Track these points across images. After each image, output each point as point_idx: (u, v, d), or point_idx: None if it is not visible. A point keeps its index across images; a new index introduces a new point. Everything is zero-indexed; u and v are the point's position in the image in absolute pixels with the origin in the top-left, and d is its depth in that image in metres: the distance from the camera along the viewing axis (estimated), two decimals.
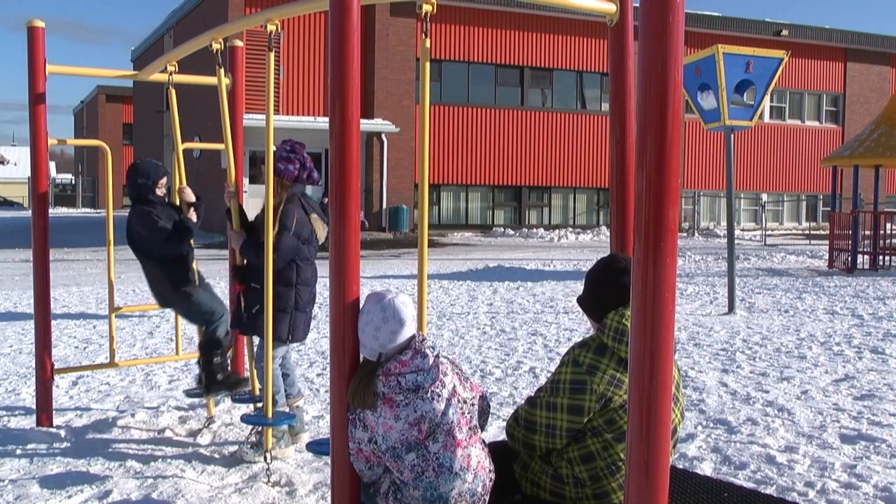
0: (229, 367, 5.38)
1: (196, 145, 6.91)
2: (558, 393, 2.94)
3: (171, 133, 5.32)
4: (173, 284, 5.11)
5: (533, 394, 3.10)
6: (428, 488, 2.82)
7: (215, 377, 5.33)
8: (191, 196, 5.21)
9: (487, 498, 2.95)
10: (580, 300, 3.17)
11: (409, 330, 2.95)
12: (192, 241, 5.22)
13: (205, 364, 5.25)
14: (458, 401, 2.90)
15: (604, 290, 3.03)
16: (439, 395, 2.85)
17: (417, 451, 2.82)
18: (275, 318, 4.59)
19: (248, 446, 4.73)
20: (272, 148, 4.31)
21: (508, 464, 3.18)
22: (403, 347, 2.93)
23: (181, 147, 5.32)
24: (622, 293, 2.91)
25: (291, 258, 4.68)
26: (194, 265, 5.24)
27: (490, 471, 2.95)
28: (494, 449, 3.21)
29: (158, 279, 5.14)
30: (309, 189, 5.06)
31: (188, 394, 5.42)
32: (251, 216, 4.99)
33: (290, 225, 4.62)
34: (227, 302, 5.41)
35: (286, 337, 4.73)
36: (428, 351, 2.93)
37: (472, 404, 2.96)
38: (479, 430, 2.98)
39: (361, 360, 2.99)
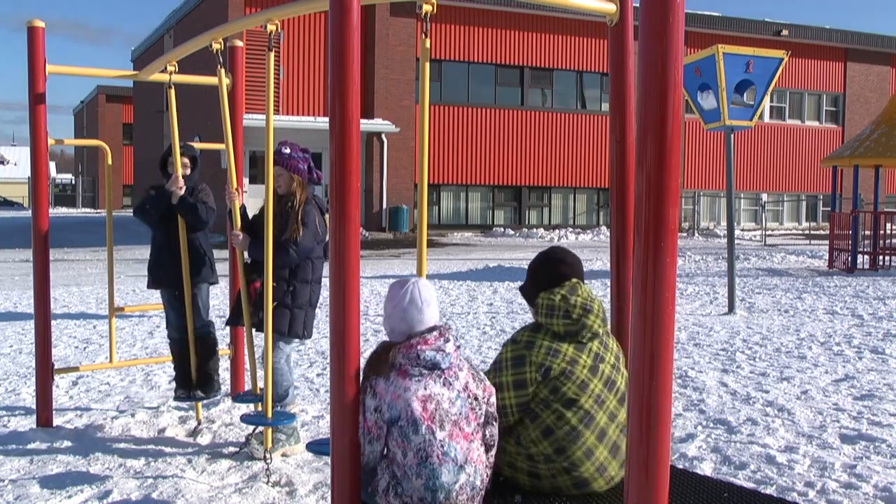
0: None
1: (196, 145, 6.89)
2: (501, 371, 3.15)
3: (171, 133, 5.32)
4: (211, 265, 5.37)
5: None
6: (430, 476, 2.83)
7: (213, 377, 5.36)
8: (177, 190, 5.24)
9: (484, 493, 3.00)
10: (521, 289, 3.40)
11: (433, 311, 3.05)
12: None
13: (202, 365, 5.29)
14: (470, 396, 2.95)
15: (540, 277, 3.31)
16: (451, 383, 2.93)
17: (424, 435, 2.83)
18: (293, 315, 4.78)
19: (257, 442, 4.75)
20: (272, 148, 4.31)
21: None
22: (430, 329, 3.00)
23: (177, 146, 5.32)
24: (557, 279, 3.25)
25: (307, 256, 4.77)
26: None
27: (487, 466, 3.00)
28: None
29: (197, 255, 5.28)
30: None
31: (179, 399, 5.42)
32: (252, 215, 5.03)
33: (312, 225, 4.75)
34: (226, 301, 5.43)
35: (302, 333, 4.86)
36: (451, 338, 3.01)
37: (485, 402, 3.00)
38: (483, 430, 3.01)
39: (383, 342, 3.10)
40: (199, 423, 5.41)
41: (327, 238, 4.82)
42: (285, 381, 4.84)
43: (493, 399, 3.05)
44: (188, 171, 5.30)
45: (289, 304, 4.76)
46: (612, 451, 3.12)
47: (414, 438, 2.85)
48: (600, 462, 3.10)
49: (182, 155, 5.27)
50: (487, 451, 3.02)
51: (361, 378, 3.00)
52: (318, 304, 5.05)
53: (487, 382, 3.08)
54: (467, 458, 2.88)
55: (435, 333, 2.99)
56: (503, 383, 3.12)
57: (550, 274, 3.28)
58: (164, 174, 5.32)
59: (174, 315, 5.38)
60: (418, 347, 2.94)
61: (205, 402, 5.66)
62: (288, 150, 4.77)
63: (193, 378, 5.32)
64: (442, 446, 2.85)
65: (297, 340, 4.93)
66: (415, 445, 2.84)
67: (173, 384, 5.70)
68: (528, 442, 3.13)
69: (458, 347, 3.04)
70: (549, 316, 3.18)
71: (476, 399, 2.96)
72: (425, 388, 2.88)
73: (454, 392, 2.92)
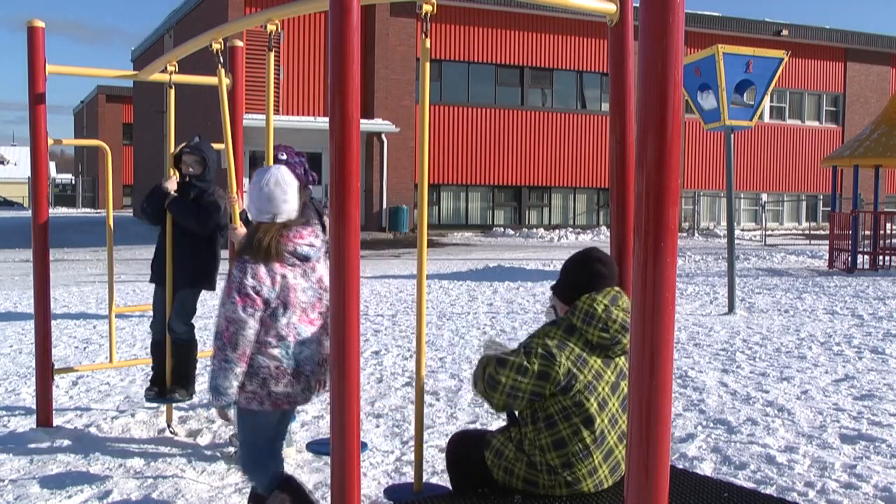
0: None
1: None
2: (530, 357, 3.07)
3: (168, 133, 5.32)
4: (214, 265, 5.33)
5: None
6: (284, 349, 3.28)
7: (192, 377, 5.37)
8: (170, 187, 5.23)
9: (325, 369, 3.37)
10: (554, 287, 3.34)
11: (294, 193, 3.40)
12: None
13: (180, 367, 5.28)
14: (321, 288, 3.38)
15: (578, 274, 3.26)
16: (308, 275, 3.36)
17: (289, 317, 3.28)
18: None
19: (237, 441, 4.75)
20: (272, 148, 4.31)
21: (480, 452, 3.27)
22: (301, 221, 3.40)
23: (172, 146, 5.32)
24: (594, 279, 3.20)
25: None
26: None
27: (325, 348, 3.35)
28: (467, 436, 3.40)
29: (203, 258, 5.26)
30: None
31: (149, 399, 5.37)
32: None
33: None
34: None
35: None
36: (320, 234, 3.41)
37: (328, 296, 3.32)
38: (324, 318, 3.37)
39: (255, 223, 3.40)
40: (170, 425, 5.38)
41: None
42: None
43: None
44: (192, 170, 5.21)
45: None
46: (612, 470, 3.16)
47: (281, 320, 3.28)
48: (601, 479, 3.14)
49: (189, 153, 5.21)
50: (325, 333, 3.39)
51: (237, 254, 3.36)
52: None
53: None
54: (311, 339, 3.34)
55: (309, 229, 3.37)
56: (528, 369, 3.04)
57: (587, 271, 3.23)
58: (179, 172, 5.30)
59: (160, 315, 5.35)
60: (296, 241, 3.31)
61: (199, 403, 5.67)
62: (284, 156, 4.73)
63: (168, 379, 5.28)
64: (296, 327, 3.31)
65: None
66: (279, 325, 3.27)
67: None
68: (534, 449, 3.10)
69: (326, 244, 3.30)
70: (587, 323, 3.11)
71: (325, 290, 3.34)
72: (294, 278, 3.30)
73: (308, 283, 3.35)
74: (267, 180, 3.36)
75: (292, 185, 3.39)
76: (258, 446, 3.45)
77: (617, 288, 3.24)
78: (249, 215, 3.48)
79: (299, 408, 5.54)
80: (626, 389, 3.08)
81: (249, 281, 3.22)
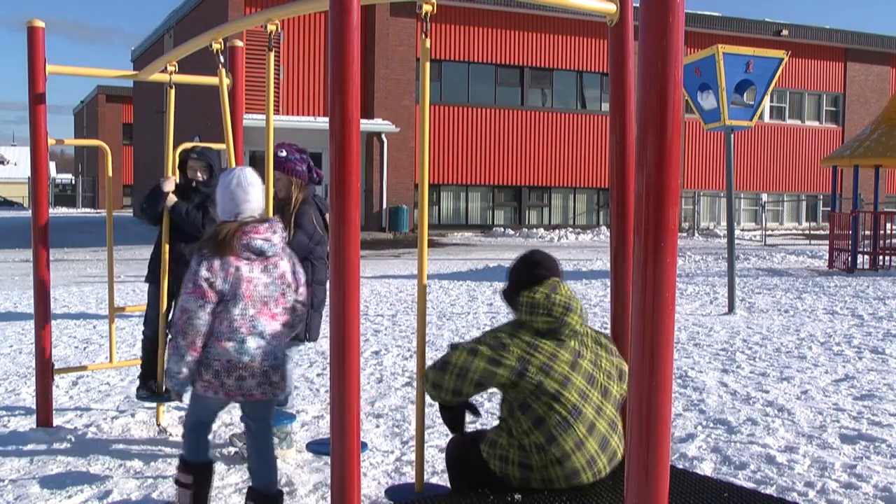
0: None
1: (196, 145, 6.89)
2: (482, 342, 3.23)
3: (167, 133, 5.32)
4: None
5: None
6: (238, 342, 3.41)
7: None
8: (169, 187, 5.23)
9: (286, 366, 3.59)
10: (502, 293, 3.49)
11: (258, 192, 3.55)
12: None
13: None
14: (283, 284, 3.53)
15: (520, 277, 3.40)
16: (270, 270, 3.49)
17: (242, 309, 3.42)
18: None
19: (237, 441, 4.75)
20: (272, 148, 4.31)
21: (477, 448, 3.33)
22: (259, 218, 3.54)
23: (171, 146, 5.32)
24: (535, 281, 3.34)
25: (304, 257, 4.71)
26: None
27: (287, 344, 3.60)
28: (464, 436, 3.46)
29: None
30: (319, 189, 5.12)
31: (140, 398, 5.35)
32: None
33: (307, 226, 4.69)
34: None
35: (303, 336, 4.78)
36: (278, 231, 3.56)
37: (294, 292, 3.57)
38: (290, 314, 3.57)
39: (220, 221, 3.57)
40: (160, 424, 5.37)
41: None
42: (288, 386, 4.81)
43: (303, 289, 3.62)
44: (199, 177, 5.20)
45: None
46: (601, 445, 3.20)
47: (233, 311, 3.42)
48: (591, 454, 3.17)
49: (196, 159, 5.22)
50: (289, 329, 3.61)
51: (197, 249, 3.52)
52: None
53: (301, 276, 3.62)
54: (271, 333, 3.46)
55: (266, 225, 3.51)
56: (479, 351, 3.19)
57: (528, 275, 3.38)
58: (182, 176, 5.30)
59: (153, 314, 5.33)
60: (251, 235, 3.45)
61: (183, 403, 5.67)
62: (284, 153, 4.73)
63: (159, 377, 5.27)
64: (252, 320, 3.43)
65: (299, 344, 4.87)
66: (231, 317, 3.41)
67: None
68: (521, 433, 3.20)
69: (285, 240, 3.55)
70: (532, 313, 3.27)
71: (288, 286, 3.52)
72: (250, 271, 3.43)
73: (270, 278, 3.49)
74: (230, 182, 3.53)
75: (255, 185, 3.54)
76: (199, 419, 3.70)
77: (555, 279, 3.38)
78: (217, 215, 3.66)
79: (299, 408, 5.56)
80: (588, 367, 3.23)
81: (204, 273, 3.39)
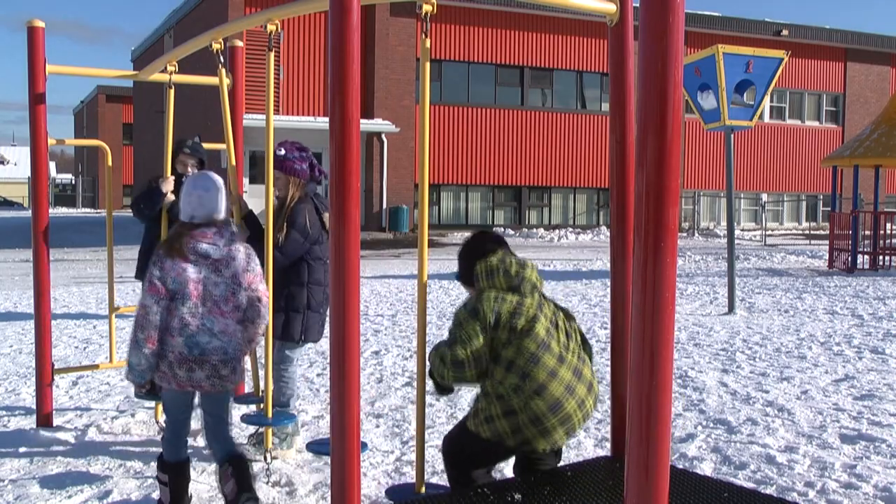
0: None
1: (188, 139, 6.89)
2: (459, 315, 3.39)
3: (167, 133, 5.33)
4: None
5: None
6: (188, 337, 3.62)
7: None
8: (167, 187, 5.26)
9: (238, 361, 3.75)
10: (458, 276, 3.65)
11: (213, 199, 3.71)
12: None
13: None
14: (234, 283, 3.68)
15: (472, 255, 3.55)
16: (220, 271, 3.66)
17: (190, 308, 3.62)
18: (288, 318, 4.63)
19: (254, 442, 4.75)
20: (272, 148, 4.31)
21: (467, 432, 3.44)
22: (212, 222, 3.70)
23: (170, 146, 5.33)
24: (486, 254, 3.51)
25: (298, 257, 4.68)
26: None
27: (242, 340, 3.72)
28: (454, 431, 3.59)
29: None
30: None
31: (139, 396, 5.33)
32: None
33: (300, 223, 4.63)
34: None
35: (298, 337, 4.73)
36: (226, 236, 3.69)
37: (246, 290, 3.70)
38: (245, 311, 3.73)
39: (179, 222, 3.77)
40: (159, 422, 5.37)
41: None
42: (288, 391, 4.80)
43: (259, 286, 3.74)
44: (189, 171, 5.26)
45: (283, 308, 4.68)
46: (575, 373, 3.39)
47: (181, 308, 3.61)
48: (567, 382, 3.33)
49: (191, 155, 5.23)
50: (246, 326, 3.75)
51: (157, 248, 3.76)
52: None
53: (257, 275, 3.74)
54: (222, 330, 3.66)
55: (213, 229, 3.68)
56: (461, 317, 3.37)
57: (481, 251, 3.55)
58: (174, 170, 5.30)
59: None
60: (198, 239, 3.64)
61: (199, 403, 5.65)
62: (283, 152, 4.69)
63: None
64: (202, 318, 3.63)
65: (296, 345, 4.84)
66: (181, 314, 3.61)
67: None
68: (496, 385, 3.35)
69: (235, 246, 3.69)
70: (490, 277, 3.45)
71: (239, 285, 3.67)
72: (199, 272, 3.63)
73: (221, 279, 3.66)
74: (189, 186, 3.77)
75: (211, 190, 3.73)
76: (170, 418, 3.91)
77: (504, 250, 3.56)
78: (180, 216, 3.81)
79: (300, 407, 5.56)
80: (549, 315, 3.47)
81: (156, 272, 3.63)
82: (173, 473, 3.85)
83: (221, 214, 3.75)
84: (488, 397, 3.37)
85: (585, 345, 3.60)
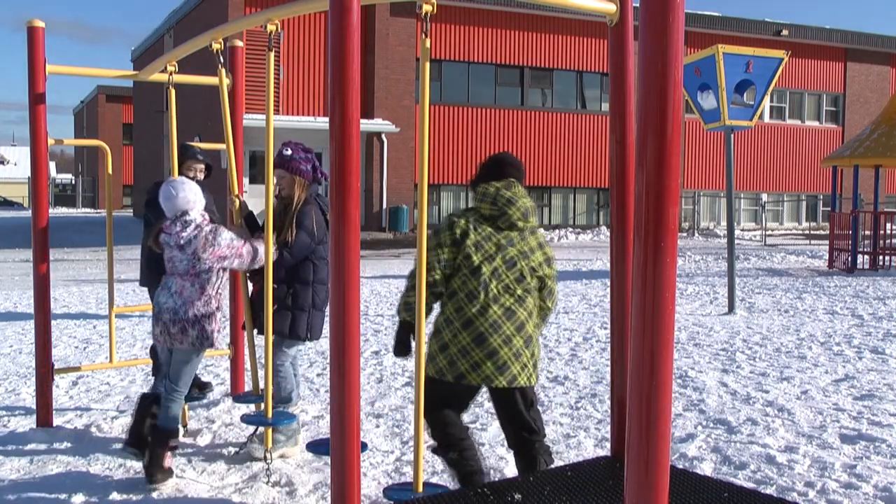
0: None
1: (196, 145, 6.89)
2: (433, 239, 3.74)
3: (171, 134, 5.33)
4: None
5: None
6: (157, 297, 4.50)
7: (199, 379, 5.42)
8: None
9: (189, 323, 4.36)
10: (470, 183, 3.99)
11: (181, 201, 4.42)
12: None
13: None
14: (195, 257, 4.36)
15: (486, 172, 3.91)
16: (183, 248, 4.40)
17: (164, 276, 4.54)
18: (294, 317, 4.69)
19: (257, 441, 4.76)
20: (272, 148, 4.31)
21: (433, 392, 3.67)
22: (176, 219, 4.44)
23: (175, 146, 5.33)
24: (500, 176, 3.87)
25: (304, 257, 4.73)
26: None
27: (199, 303, 4.38)
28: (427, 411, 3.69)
29: None
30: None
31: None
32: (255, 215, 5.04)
33: (309, 225, 4.69)
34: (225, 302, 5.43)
35: (304, 335, 4.80)
36: (181, 226, 4.39)
37: (208, 260, 4.36)
38: (204, 275, 4.41)
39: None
40: (185, 426, 5.37)
41: None
42: (288, 385, 4.82)
43: (228, 251, 4.38)
44: (201, 177, 5.36)
45: (289, 306, 4.74)
46: (506, 313, 3.68)
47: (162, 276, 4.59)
48: (493, 319, 3.64)
49: (198, 161, 5.33)
50: (202, 289, 4.42)
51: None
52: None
53: (219, 250, 4.36)
54: (178, 291, 4.39)
55: (176, 224, 4.41)
56: (433, 243, 3.73)
57: (497, 170, 3.90)
58: (183, 174, 5.34)
59: None
60: (162, 231, 4.47)
61: (199, 404, 5.67)
62: (289, 152, 4.75)
63: None
64: (167, 282, 4.47)
65: (300, 343, 4.88)
66: (163, 280, 4.54)
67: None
68: (438, 318, 3.77)
69: (192, 237, 4.37)
70: (481, 200, 3.83)
71: (199, 259, 4.36)
72: (170, 251, 4.45)
73: (184, 254, 4.40)
74: (161, 196, 4.52)
75: (172, 196, 4.44)
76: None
77: (513, 179, 3.87)
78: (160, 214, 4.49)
79: (300, 408, 5.55)
80: (513, 254, 3.77)
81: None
82: (140, 404, 4.73)
83: (182, 209, 4.45)
84: (434, 334, 3.73)
85: (544, 288, 3.87)
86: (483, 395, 4.85)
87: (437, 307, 3.81)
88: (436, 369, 3.71)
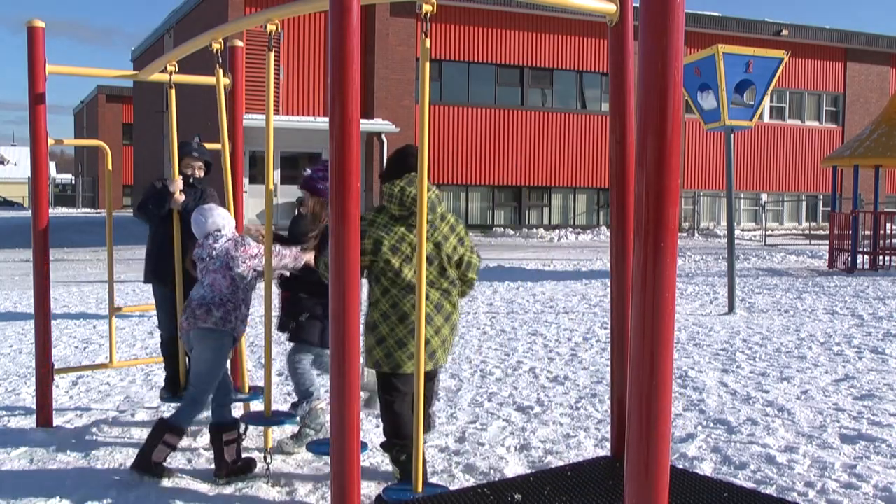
0: None
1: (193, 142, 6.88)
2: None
3: (171, 133, 5.34)
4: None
5: None
6: (195, 290, 4.67)
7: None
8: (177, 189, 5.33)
9: (215, 306, 4.50)
10: (381, 178, 4.11)
11: (210, 225, 4.69)
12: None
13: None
14: (228, 257, 4.58)
15: (392, 167, 4.03)
16: (213, 258, 4.61)
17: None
18: (324, 327, 4.81)
19: (289, 437, 4.81)
20: (272, 147, 4.32)
21: (385, 391, 3.96)
22: (207, 236, 4.68)
23: (175, 146, 5.33)
24: (404, 170, 3.96)
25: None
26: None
27: (226, 293, 4.56)
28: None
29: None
30: None
31: (163, 399, 5.47)
32: (254, 215, 5.08)
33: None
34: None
35: (318, 342, 4.88)
36: (213, 240, 4.63)
37: (239, 260, 4.57)
38: (236, 270, 4.60)
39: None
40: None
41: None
42: (306, 381, 4.89)
43: (255, 252, 4.58)
44: (199, 174, 5.36)
45: (319, 315, 4.79)
46: (436, 307, 3.91)
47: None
48: (426, 312, 3.69)
49: (196, 158, 5.32)
50: (233, 281, 4.59)
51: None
52: None
53: (250, 248, 4.56)
54: (210, 283, 4.58)
55: (209, 238, 4.66)
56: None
57: (400, 165, 3.99)
58: (181, 171, 5.34)
59: (164, 316, 5.40)
60: (197, 246, 4.71)
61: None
62: (308, 172, 4.83)
63: (182, 381, 5.31)
64: (202, 279, 4.64)
65: (328, 350, 4.92)
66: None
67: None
68: (373, 311, 3.94)
69: (214, 253, 4.60)
70: (389, 202, 3.94)
71: (232, 258, 4.57)
72: (202, 263, 4.66)
73: (214, 260, 4.59)
74: (194, 219, 4.76)
75: (200, 224, 4.72)
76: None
77: (415, 173, 3.78)
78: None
79: (325, 400, 5.54)
80: (427, 249, 3.78)
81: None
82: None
83: (210, 229, 4.71)
84: (366, 332, 3.82)
85: (462, 264, 4.05)
86: (483, 397, 4.84)
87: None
88: (372, 362, 3.93)
